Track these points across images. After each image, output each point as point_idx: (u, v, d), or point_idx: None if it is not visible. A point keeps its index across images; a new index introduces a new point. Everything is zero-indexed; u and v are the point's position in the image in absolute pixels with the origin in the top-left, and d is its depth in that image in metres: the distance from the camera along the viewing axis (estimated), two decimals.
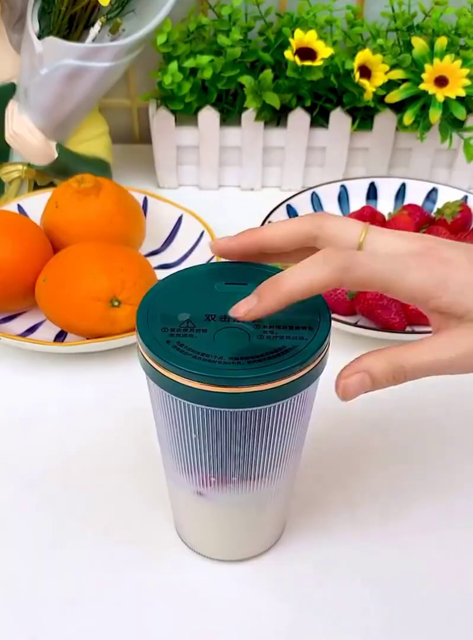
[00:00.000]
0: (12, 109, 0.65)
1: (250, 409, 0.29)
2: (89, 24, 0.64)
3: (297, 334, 0.30)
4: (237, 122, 0.70)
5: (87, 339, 0.52)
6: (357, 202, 0.68)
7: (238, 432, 0.30)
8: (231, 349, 0.29)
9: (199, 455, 0.32)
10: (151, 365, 0.30)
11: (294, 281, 0.29)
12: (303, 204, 0.66)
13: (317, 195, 0.67)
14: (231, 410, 0.29)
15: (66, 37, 0.63)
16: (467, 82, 0.63)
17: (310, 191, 0.67)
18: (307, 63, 0.64)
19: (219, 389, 0.28)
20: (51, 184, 0.69)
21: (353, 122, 0.70)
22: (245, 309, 0.29)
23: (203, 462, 0.32)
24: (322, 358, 0.30)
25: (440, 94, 0.64)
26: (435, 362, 0.29)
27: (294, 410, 0.31)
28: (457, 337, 0.30)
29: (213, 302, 0.31)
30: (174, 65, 0.66)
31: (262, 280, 0.30)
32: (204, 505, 0.36)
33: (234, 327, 0.30)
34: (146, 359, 0.30)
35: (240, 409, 0.29)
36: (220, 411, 0.29)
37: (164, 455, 0.36)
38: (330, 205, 0.67)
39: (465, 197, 0.65)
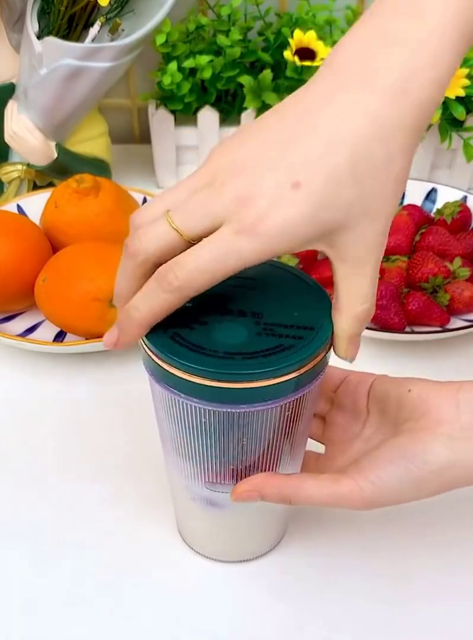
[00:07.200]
0: (12, 109, 0.65)
1: (249, 408, 0.29)
2: (88, 24, 0.64)
3: (297, 334, 0.29)
4: (237, 122, 0.70)
5: (87, 339, 0.52)
6: None
7: (238, 430, 0.30)
8: (227, 344, 0.28)
9: (200, 454, 0.32)
10: (145, 351, 0.30)
11: (140, 314, 0.29)
12: None
13: None
14: (223, 407, 0.29)
15: (65, 37, 0.63)
16: (466, 82, 0.63)
17: None
18: (307, 63, 0.64)
19: (207, 383, 0.28)
20: (51, 184, 0.69)
21: None
22: (108, 341, 0.30)
23: (204, 460, 0.32)
24: (321, 359, 0.29)
25: None
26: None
27: (294, 411, 0.31)
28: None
29: (217, 296, 0.30)
30: (173, 66, 0.66)
31: (271, 274, 0.32)
32: (206, 507, 0.36)
33: (234, 322, 0.30)
34: (143, 345, 0.30)
35: (233, 407, 0.29)
36: (216, 409, 0.29)
37: (166, 455, 0.36)
38: None
39: (465, 197, 0.65)
